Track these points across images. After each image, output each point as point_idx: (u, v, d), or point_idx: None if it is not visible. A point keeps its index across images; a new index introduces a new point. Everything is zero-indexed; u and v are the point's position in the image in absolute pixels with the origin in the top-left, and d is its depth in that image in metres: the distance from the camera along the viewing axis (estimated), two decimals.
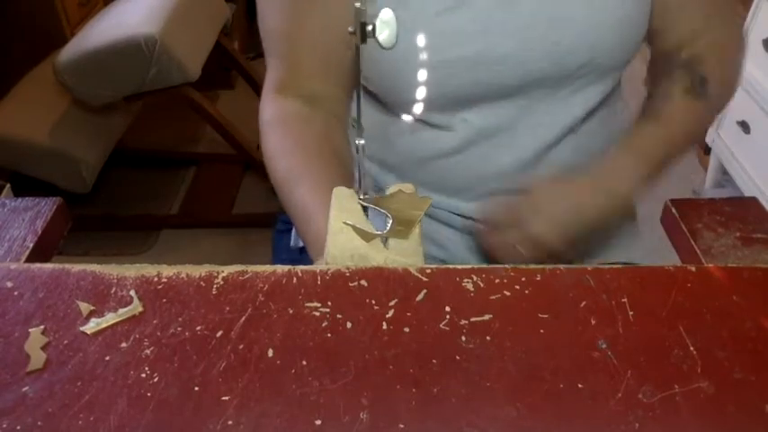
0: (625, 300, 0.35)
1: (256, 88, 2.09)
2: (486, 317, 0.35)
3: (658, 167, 0.62)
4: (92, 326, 0.34)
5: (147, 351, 0.33)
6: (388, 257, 0.41)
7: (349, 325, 0.34)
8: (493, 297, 0.36)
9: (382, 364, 0.32)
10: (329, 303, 0.35)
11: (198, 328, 0.34)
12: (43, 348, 0.33)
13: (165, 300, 0.36)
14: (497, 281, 0.37)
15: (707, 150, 1.95)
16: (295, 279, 0.37)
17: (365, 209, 0.45)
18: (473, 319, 0.34)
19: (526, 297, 0.36)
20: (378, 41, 0.43)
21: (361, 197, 0.45)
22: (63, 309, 0.35)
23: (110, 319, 0.35)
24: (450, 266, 0.38)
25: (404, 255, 0.41)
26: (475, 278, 0.37)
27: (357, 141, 0.48)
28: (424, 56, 0.58)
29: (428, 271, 0.37)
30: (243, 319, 0.34)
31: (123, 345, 0.33)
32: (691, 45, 0.64)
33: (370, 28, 0.42)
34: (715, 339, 0.33)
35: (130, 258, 1.78)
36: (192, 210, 1.99)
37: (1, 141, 1.55)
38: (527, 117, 0.62)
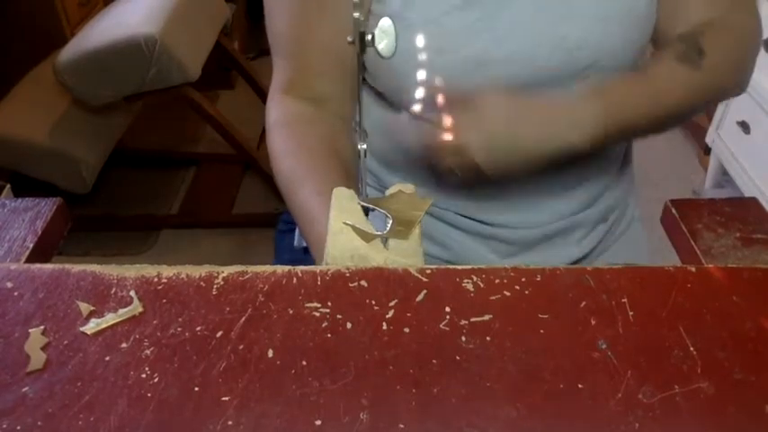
0: (625, 300, 0.35)
1: (256, 88, 2.09)
2: (486, 317, 0.35)
3: (632, 123, 0.58)
4: (92, 326, 0.34)
5: (147, 351, 0.33)
6: (388, 258, 0.41)
7: (349, 325, 0.34)
8: (493, 297, 0.36)
9: (382, 364, 0.32)
10: (329, 304, 0.35)
11: (198, 328, 0.34)
12: (43, 349, 0.33)
13: (165, 300, 0.36)
14: (497, 281, 0.37)
15: (707, 150, 1.95)
16: (295, 279, 0.37)
17: (365, 209, 0.45)
18: (473, 320, 0.34)
19: (526, 297, 0.36)
20: (377, 51, 0.44)
21: (362, 198, 0.45)
22: (63, 309, 0.35)
23: (110, 319, 0.35)
24: (451, 267, 0.38)
25: (404, 255, 0.41)
26: (475, 278, 0.37)
27: (359, 146, 0.48)
28: (431, 55, 0.58)
29: (428, 271, 0.37)
30: (243, 319, 0.34)
31: (123, 345, 0.33)
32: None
33: (369, 37, 0.42)
34: (715, 339, 0.33)
35: (130, 258, 1.79)
36: (192, 210, 1.99)
37: (1, 141, 1.55)
38: None
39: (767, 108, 1.60)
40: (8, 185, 1.31)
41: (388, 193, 0.47)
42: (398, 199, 0.46)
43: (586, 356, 0.33)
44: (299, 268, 0.37)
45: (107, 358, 0.32)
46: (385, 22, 0.43)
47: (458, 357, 0.32)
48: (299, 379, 0.31)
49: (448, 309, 0.35)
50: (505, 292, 0.36)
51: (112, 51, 1.48)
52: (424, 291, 0.36)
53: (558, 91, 0.59)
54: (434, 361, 0.32)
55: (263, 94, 2.08)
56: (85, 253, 1.79)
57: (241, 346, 0.33)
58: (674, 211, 0.49)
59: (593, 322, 0.34)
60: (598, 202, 0.70)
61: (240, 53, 2.12)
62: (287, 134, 0.62)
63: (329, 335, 0.34)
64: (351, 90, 0.64)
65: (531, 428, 0.29)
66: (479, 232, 0.68)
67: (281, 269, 0.37)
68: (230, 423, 0.29)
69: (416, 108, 0.60)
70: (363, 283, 0.37)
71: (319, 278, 0.37)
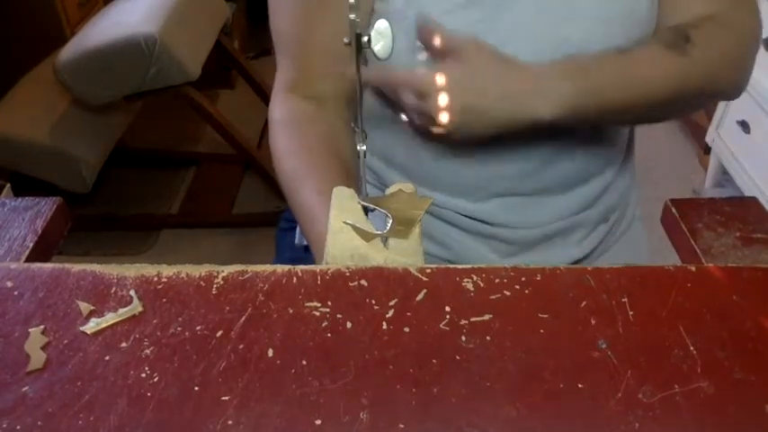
0: (625, 300, 0.35)
1: (256, 88, 2.09)
2: (486, 317, 0.35)
3: (605, 102, 0.56)
4: (92, 326, 0.34)
5: (147, 351, 0.33)
6: (388, 257, 0.41)
7: (349, 325, 0.34)
8: (493, 297, 0.36)
9: (382, 364, 0.32)
10: (329, 303, 0.35)
11: (198, 327, 0.34)
12: (43, 348, 0.33)
13: (165, 300, 0.36)
14: (497, 281, 0.37)
15: (707, 150, 1.95)
16: (295, 279, 0.37)
17: (365, 209, 0.45)
18: (473, 319, 0.34)
19: (526, 297, 0.36)
20: (373, 52, 0.44)
21: (362, 198, 0.45)
22: (63, 309, 0.35)
23: (110, 318, 0.35)
24: (451, 266, 0.38)
25: (404, 255, 0.41)
26: (475, 278, 0.37)
27: (359, 147, 0.48)
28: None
29: (428, 271, 0.37)
30: (243, 318, 0.34)
31: (123, 345, 0.33)
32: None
33: (365, 39, 0.42)
34: (715, 339, 0.33)
35: (130, 258, 1.79)
36: (192, 210, 1.99)
37: (1, 141, 1.55)
38: None
39: (767, 108, 1.60)
40: (8, 185, 1.31)
41: (388, 192, 0.47)
42: (398, 198, 0.46)
43: (586, 356, 0.33)
44: (300, 268, 0.37)
45: (107, 358, 0.32)
46: (381, 24, 0.43)
47: (458, 357, 0.32)
48: (299, 379, 0.31)
49: (448, 308, 0.35)
50: (505, 292, 0.36)
51: (112, 51, 1.48)
52: (424, 290, 0.36)
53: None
54: (434, 361, 0.32)
55: (263, 94, 2.08)
56: (85, 253, 1.79)
57: (241, 346, 0.33)
58: (673, 210, 0.49)
59: (593, 322, 0.34)
60: (598, 203, 0.70)
61: (240, 53, 2.12)
62: (289, 133, 0.62)
63: (329, 334, 0.34)
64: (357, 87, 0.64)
65: (531, 428, 0.29)
66: (479, 231, 0.68)
67: (281, 269, 0.37)
68: (230, 423, 0.29)
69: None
70: (363, 282, 0.37)
71: (319, 278, 0.37)
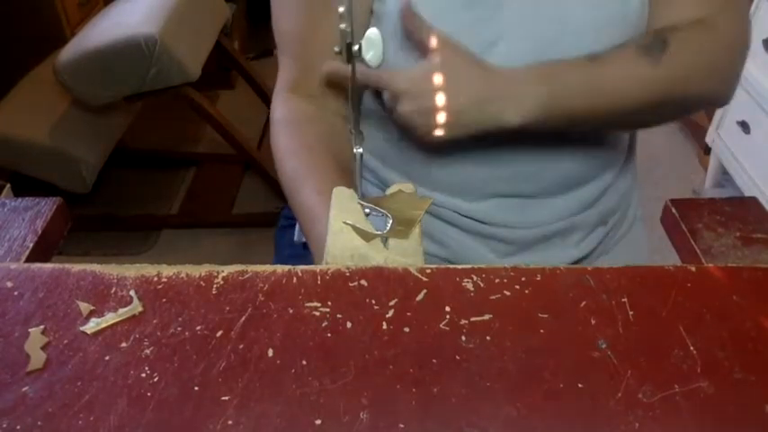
0: (625, 300, 0.35)
1: (256, 88, 2.09)
2: (486, 317, 0.35)
3: (575, 110, 0.57)
4: (92, 326, 0.34)
5: (147, 351, 0.33)
6: (388, 257, 0.41)
7: (349, 325, 0.34)
8: (493, 297, 0.36)
9: (382, 364, 0.32)
10: (329, 303, 0.35)
11: (198, 327, 0.34)
12: (43, 348, 0.33)
13: (165, 300, 0.36)
14: (497, 281, 0.37)
15: (707, 150, 1.95)
16: (295, 279, 0.37)
17: (365, 209, 0.45)
18: (473, 319, 0.34)
19: (526, 297, 0.36)
20: (364, 61, 0.44)
21: (362, 198, 0.45)
22: (63, 309, 0.35)
23: (110, 318, 0.35)
24: (451, 266, 0.38)
25: (404, 255, 0.41)
26: (475, 278, 0.37)
27: (355, 150, 0.48)
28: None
29: (428, 271, 0.37)
30: (243, 318, 0.34)
31: (123, 345, 0.33)
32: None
33: (356, 48, 0.43)
34: (715, 339, 0.33)
35: (130, 258, 1.79)
36: (192, 210, 1.99)
37: (1, 141, 1.55)
38: None
39: (767, 108, 1.60)
40: (8, 185, 1.31)
41: (388, 192, 0.47)
42: (398, 198, 0.46)
43: (586, 356, 0.33)
44: (300, 268, 0.37)
45: (107, 358, 0.32)
46: (372, 33, 0.44)
47: (458, 357, 0.32)
48: (299, 379, 0.31)
49: (448, 308, 0.35)
50: (505, 292, 0.36)
51: (112, 51, 1.48)
52: (424, 290, 0.36)
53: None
54: (434, 361, 0.32)
55: (263, 94, 2.08)
56: (85, 253, 1.79)
57: (241, 346, 0.33)
58: (674, 210, 0.49)
59: (593, 322, 0.34)
60: (598, 204, 0.70)
61: (240, 53, 2.12)
62: (290, 133, 0.62)
63: (329, 334, 0.34)
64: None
65: (531, 428, 0.29)
66: (477, 231, 0.68)
67: (281, 269, 0.37)
68: (230, 423, 0.29)
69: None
70: (363, 282, 0.37)
71: (319, 278, 0.37)
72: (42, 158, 1.58)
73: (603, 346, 0.33)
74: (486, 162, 0.64)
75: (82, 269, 0.38)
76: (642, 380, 0.31)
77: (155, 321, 0.34)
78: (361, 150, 0.49)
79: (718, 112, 1.85)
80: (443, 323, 0.34)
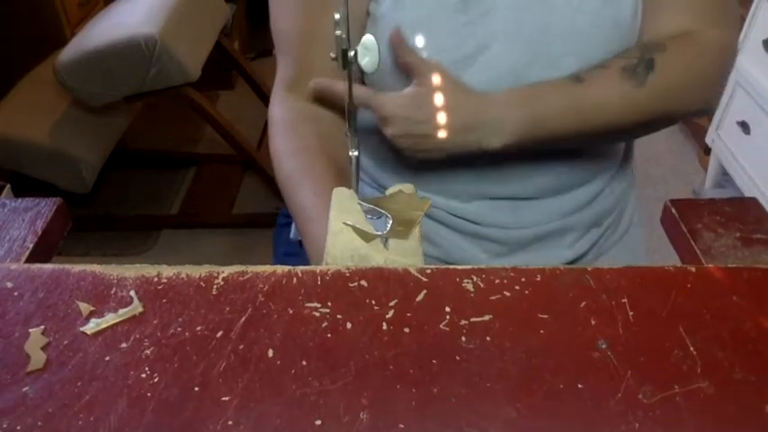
0: (625, 300, 0.35)
1: (256, 88, 2.09)
2: (486, 317, 0.35)
3: (555, 134, 0.58)
4: (92, 326, 0.34)
5: (147, 351, 0.33)
6: (388, 258, 0.41)
7: (349, 325, 0.34)
8: (493, 297, 0.36)
9: (382, 364, 0.32)
10: (329, 304, 0.35)
11: (198, 328, 0.34)
12: (43, 348, 0.33)
13: (165, 300, 0.36)
14: (497, 281, 0.37)
15: (707, 150, 1.95)
16: (295, 279, 0.37)
17: (365, 210, 0.45)
18: (473, 320, 0.34)
19: (526, 297, 0.36)
20: (360, 67, 0.44)
21: (362, 198, 0.45)
22: (63, 309, 0.35)
23: (110, 319, 0.35)
24: (450, 267, 0.38)
25: (404, 255, 0.41)
26: (475, 278, 0.37)
27: (351, 153, 0.48)
28: (424, 56, 0.58)
29: (428, 271, 0.37)
30: (243, 319, 0.34)
31: (123, 345, 0.33)
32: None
33: (351, 54, 0.43)
34: (715, 339, 0.33)
35: (130, 258, 1.79)
36: (192, 210, 1.99)
37: (1, 141, 1.55)
38: None
39: (767, 108, 1.60)
40: (8, 185, 1.31)
41: (387, 193, 0.47)
42: (398, 199, 0.46)
43: (586, 356, 0.33)
44: (300, 268, 0.37)
45: (107, 358, 0.32)
46: (367, 39, 0.44)
47: (458, 357, 0.32)
48: (299, 379, 0.31)
49: (448, 309, 0.35)
50: (505, 292, 0.36)
51: (112, 51, 1.48)
52: (424, 291, 0.36)
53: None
54: (434, 361, 0.32)
55: (263, 95, 2.08)
56: (85, 253, 1.79)
57: (241, 346, 0.33)
58: (673, 211, 0.49)
59: (593, 322, 0.34)
60: (592, 205, 0.69)
61: (240, 53, 2.12)
62: (288, 134, 0.63)
63: (329, 335, 0.34)
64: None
65: (531, 428, 0.29)
66: (469, 231, 0.68)
67: (281, 269, 0.37)
68: (230, 423, 0.29)
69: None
70: (363, 283, 0.37)
71: (319, 278, 0.37)
72: (42, 158, 1.58)
73: (603, 346, 0.33)
74: (475, 164, 0.64)
75: (82, 269, 0.38)
76: (642, 380, 0.31)
77: (155, 322, 0.34)
78: (356, 153, 0.49)
79: (718, 113, 1.85)
80: (443, 323, 0.34)
